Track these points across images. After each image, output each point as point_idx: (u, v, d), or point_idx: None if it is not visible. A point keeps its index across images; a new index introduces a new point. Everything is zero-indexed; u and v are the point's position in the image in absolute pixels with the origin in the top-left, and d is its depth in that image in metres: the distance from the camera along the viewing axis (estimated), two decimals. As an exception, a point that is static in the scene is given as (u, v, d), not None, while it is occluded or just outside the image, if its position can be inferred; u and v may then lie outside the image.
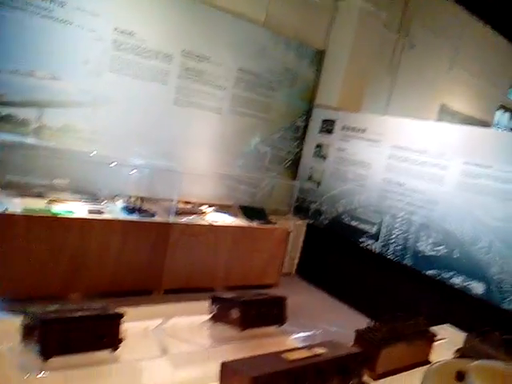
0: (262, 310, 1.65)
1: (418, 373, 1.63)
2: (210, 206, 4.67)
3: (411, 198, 4.37)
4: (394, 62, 6.29)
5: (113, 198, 4.09)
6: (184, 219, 4.09)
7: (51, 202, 3.55)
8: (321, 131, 5.46)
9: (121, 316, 1.32)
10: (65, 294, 3.47)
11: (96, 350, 1.28)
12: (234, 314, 1.61)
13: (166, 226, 3.89)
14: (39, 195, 3.63)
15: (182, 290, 4.03)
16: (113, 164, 3.86)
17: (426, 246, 4.19)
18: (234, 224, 4.44)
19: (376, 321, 1.58)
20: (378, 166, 4.74)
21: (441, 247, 4.07)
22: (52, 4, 3.59)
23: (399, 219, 4.45)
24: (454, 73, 7.25)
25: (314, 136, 5.54)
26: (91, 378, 1.23)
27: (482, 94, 8.04)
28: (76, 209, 3.54)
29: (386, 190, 4.62)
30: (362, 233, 4.80)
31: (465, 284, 3.84)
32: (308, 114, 5.56)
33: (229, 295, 1.72)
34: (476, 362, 1.13)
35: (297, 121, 5.51)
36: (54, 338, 1.19)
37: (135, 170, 4.08)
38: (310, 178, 5.51)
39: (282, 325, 1.76)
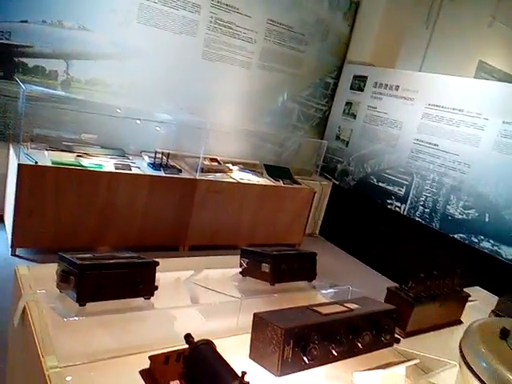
0: (293, 265, 1.64)
1: (448, 332, 1.62)
2: (234, 165, 4.63)
3: (443, 159, 4.23)
4: (432, 15, 5.92)
5: (140, 153, 4.10)
6: (210, 176, 4.08)
7: (79, 156, 3.57)
8: (351, 88, 5.27)
9: (156, 264, 1.33)
10: (93, 247, 3.55)
11: (131, 296, 1.29)
12: (265, 267, 1.60)
13: (193, 182, 3.90)
14: (68, 149, 3.65)
15: (206, 247, 4.08)
16: (138, 121, 3.84)
17: (455, 210, 4.09)
18: (260, 182, 4.41)
19: (410, 279, 1.55)
20: (410, 126, 4.58)
21: (471, 210, 3.97)
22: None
23: (429, 181, 4.34)
24: (495, 27, 6.78)
25: (343, 93, 5.36)
26: (126, 323, 1.25)
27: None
28: (104, 163, 3.56)
29: (418, 150, 4.48)
30: (390, 194, 4.71)
31: (495, 248, 3.76)
32: (339, 70, 5.35)
33: (259, 249, 1.70)
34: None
35: (327, 77, 5.32)
36: (91, 284, 1.20)
37: (161, 126, 4.05)
38: (337, 138, 5.39)
39: (312, 280, 1.75)
